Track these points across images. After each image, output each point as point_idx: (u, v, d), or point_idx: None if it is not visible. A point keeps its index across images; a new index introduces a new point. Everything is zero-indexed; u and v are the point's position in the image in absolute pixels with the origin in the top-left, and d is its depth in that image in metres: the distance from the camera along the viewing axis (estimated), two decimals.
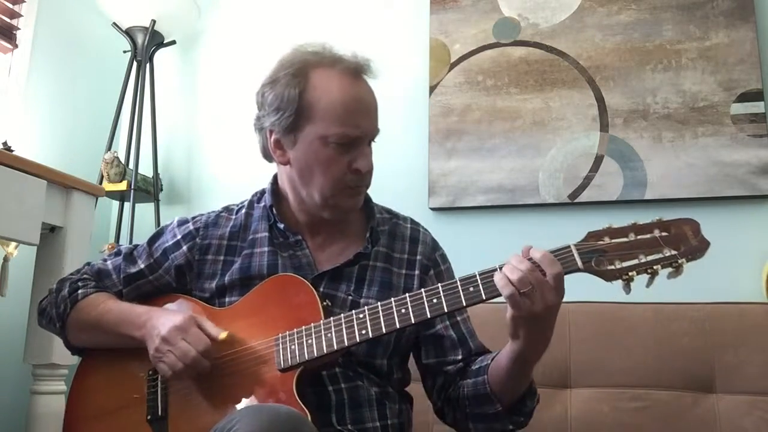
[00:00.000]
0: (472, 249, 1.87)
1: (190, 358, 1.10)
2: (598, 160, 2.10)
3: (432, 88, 2.29)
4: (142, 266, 1.31)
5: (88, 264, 1.38)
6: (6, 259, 1.86)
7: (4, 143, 1.80)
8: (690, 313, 1.69)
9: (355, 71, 1.20)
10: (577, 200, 2.10)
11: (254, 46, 2.58)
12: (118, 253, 1.35)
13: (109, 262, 1.34)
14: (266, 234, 1.27)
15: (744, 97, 2.00)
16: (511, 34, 2.26)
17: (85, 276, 1.34)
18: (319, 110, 1.17)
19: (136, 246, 1.36)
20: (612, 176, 2.08)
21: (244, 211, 1.33)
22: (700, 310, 1.69)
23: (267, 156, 1.28)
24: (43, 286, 1.70)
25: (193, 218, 1.34)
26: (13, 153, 1.71)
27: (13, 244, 1.85)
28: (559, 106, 2.17)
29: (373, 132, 1.21)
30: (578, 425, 1.64)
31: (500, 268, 1.03)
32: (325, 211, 1.22)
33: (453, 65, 2.29)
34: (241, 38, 2.61)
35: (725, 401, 1.61)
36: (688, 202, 2.01)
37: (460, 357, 1.24)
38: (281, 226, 1.27)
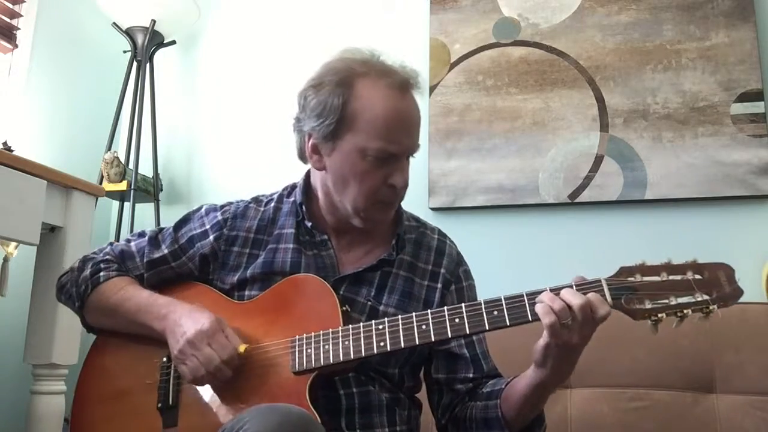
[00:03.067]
0: (472, 249, 1.86)
1: (213, 366, 1.09)
2: (598, 160, 2.10)
3: (432, 88, 2.29)
4: (166, 252, 1.29)
5: (111, 244, 1.36)
6: (6, 259, 1.85)
7: (4, 143, 1.80)
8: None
9: (402, 85, 1.18)
10: (577, 200, 2.10)
11: (254, 46, 2.58)
12: (142, 235, 1.33)
13: (132, 244, 1.32)
14: (293, 230, 1.26)
15: (744, 97, 2.00)
16: (511, 34, 2.26)
17: (108, 257, 1.32)
18: (361, 122, 1.15)
19: (162, 229, 1.34)
20: (612, 176, 2.08)
21: (273, 204, 1.32)
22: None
23: (302, 158, 1.26)
24: (43, 286, 1.71)
25: (222, 207, 1.32)
26: (13, 153, 1.71)
27: (13, 244, 1.85)
28: (559, 106, 2.17)
29: (413, 148, 1.20)
30: (578, 425, 1.64)
31: (527, 295, 1.03)
32: (356, 220, 1.21)
33: (453, 65, 2.29)
34: (241, 38, 2.61)
35: (725, 401, 1.61)
36: (688, 202, 2.01)
37: (471, 376, 1.22)
38: (309, 224, 1.26)
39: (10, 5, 2.25)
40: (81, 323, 1.33)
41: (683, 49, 2.09)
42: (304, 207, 1.27)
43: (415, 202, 2.18)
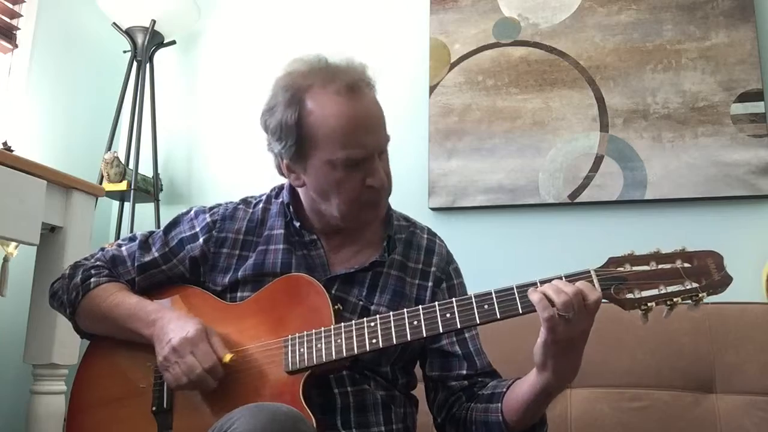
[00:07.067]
0: (471, 249, 1.87)
1: (195, 374, 1.09)
2: (598, 160, 2.10)
3: (432, 88, 2.29)
4: (156, 255, 1.29)
5: (102, 249, 1.36)
6: (6, 259, 1.86)
7: (4, 143, 1.81)
8: (690, 313, 1.68)
9: (349, 88, 1.15)
10: (577, 200, 2.10)
11: (254, 46, 2.58)
12: (133, 239, 1.33)
13: (123, 248, 1.32)
14: (282, 231, 1.27)
15: (744, 97, 2.00)
16: (511, 34, 2.26)
17: (98, 263, 1.32)
18: (319, 137, 1.14)
19: (152, 233, 1.34)
20: (612, 176, 2.08)
21: (261, 205, 1.32)
22: (700, 310, 1.68)
23: (283, 176, 1.27)
24: (43, 286, 1.70)
25: (211, 209, 1.32)
26: (13, 153, 1.71)
27: (13, 244, 1.85)
28: (559, 106, 2.17)
29: (380, 145, 1.19)
30: (578, 425, 1.64)
31: (517, 288, 1.02)
32: (345, 223, 1.22)
33: (453, 65, 2.29)
34: (241, 38, 2.61)
35: (725, 401, 1.60)
36: (688, 202, 2.01)
37: (465, 372, 1.22)
38: (297, 224, 1.26)
39: (10, 5, 2.25)
40: (74, 329, 1.34)
41: (683, 49, 2.09)
42: (291, 207, 1.27)
43: (415, 202, 2.20)
